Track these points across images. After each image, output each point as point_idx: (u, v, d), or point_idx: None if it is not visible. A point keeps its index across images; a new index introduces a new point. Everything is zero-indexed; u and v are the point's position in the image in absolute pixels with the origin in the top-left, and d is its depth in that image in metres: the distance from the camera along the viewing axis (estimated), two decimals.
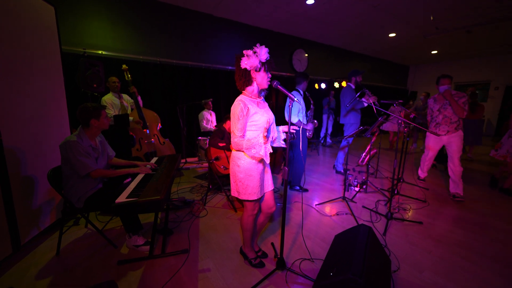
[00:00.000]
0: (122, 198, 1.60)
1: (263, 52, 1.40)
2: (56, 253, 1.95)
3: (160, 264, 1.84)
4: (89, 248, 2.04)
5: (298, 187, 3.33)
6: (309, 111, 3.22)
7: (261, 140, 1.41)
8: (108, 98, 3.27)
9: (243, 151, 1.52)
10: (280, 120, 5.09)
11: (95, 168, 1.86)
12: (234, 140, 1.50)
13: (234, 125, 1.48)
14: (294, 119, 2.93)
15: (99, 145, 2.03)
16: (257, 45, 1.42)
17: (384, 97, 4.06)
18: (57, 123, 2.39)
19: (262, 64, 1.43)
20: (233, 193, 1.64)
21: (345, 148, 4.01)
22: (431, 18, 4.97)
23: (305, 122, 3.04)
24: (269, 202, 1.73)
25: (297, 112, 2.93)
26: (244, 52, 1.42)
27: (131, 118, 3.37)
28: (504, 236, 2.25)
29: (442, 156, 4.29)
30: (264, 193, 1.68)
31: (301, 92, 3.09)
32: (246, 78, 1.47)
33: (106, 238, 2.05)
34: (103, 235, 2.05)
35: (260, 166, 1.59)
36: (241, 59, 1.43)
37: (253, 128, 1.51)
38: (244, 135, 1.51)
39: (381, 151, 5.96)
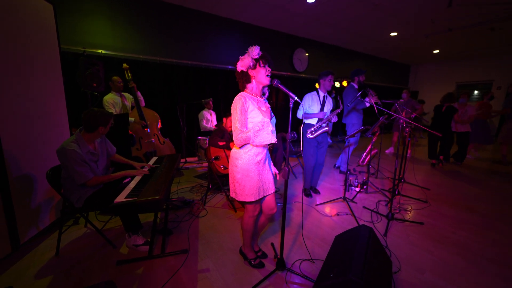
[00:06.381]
0: (121, 198, 1.59)
1: (253, 50, 1.44)
2: (55, 253, 1.94)
3: (159, 264, 1.83)
4: (89, 248, 2.04)
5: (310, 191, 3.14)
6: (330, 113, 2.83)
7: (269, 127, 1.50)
8: (110, 98, 3.26)
9: (241, 150, 1.52)
10: (284, 120, 5.07)
11: (91, 177, 1.83)
12: (238, 135, 1.46)
13: (236, 120, 1.46)
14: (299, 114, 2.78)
15: (98, 146, 2.01)
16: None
17: (385, 97, 4.04)
18: (56, 122, 2.38)
19: (256, 60, 1.46)
20: (231, 193, 1.63)
21: (346, 149, 4.00)
22: (432, 21, 4.96)
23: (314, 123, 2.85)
24: (270, 203, 1.70)
25: (308, 107, 2.83)
26: (240, 57, 1.49)
27: (132, 119, 3.35)
28: (505, 238, 2.23)
29: (457, 152, 4.29)
30: (264, 196, 1.63)
31: (319, 92, 2.87)
32: (245, 78, 1.51)
33: (105, 238, 2.04)
34: (102, 235, 2.04)
35: (259, 166, 1.57)
36: (237, 64, 1.51)
37: (250, 126, 1.50)
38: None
39: (382, 151, 5.94)
